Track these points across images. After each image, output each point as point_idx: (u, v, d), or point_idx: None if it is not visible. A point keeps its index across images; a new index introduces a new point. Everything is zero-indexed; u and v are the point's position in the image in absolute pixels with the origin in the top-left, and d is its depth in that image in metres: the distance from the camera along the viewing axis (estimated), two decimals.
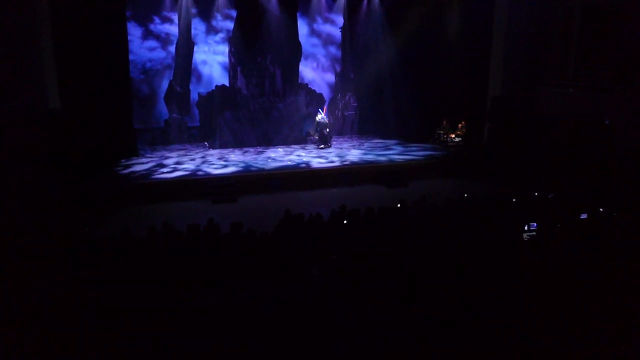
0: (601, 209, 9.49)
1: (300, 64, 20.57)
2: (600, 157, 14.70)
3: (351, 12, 20.85)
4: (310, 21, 21.00)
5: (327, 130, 18.81)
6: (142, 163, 16.32)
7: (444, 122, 19.03)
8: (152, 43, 18.94)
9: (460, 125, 18.79)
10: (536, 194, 11.65)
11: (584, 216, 9.04)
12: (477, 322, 5.17)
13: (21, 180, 12.00)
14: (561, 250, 7.22)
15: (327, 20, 21.32)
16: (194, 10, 18.96)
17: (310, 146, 18.92)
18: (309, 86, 20.89)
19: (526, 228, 8.25)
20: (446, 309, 5.39)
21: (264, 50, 19.44)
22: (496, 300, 5.61)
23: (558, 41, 16.33)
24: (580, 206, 9.70)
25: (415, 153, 18.17)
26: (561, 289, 5.85)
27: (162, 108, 19.27)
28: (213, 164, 16.27)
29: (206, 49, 19.70)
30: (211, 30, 19.65)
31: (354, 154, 17.84)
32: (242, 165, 16.20)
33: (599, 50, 15.64)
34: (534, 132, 16.70)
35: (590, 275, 6.11)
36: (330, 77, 21.70)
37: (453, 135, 18.78)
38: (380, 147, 19.24)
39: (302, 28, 20.57)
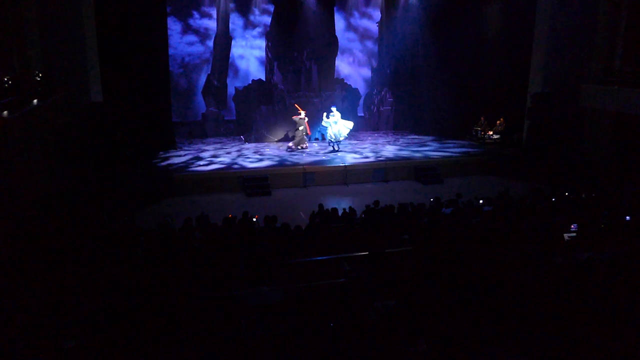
0: None
1: (337, 58, 20.56)
2: None
3: (389, 7, 20.67)
4: (347, 16, 20.93)
5: (301, 131, 17.37)
6: (180, 155, 16.65)
7: (482, 118, 18.69)
8: (191, 38, 19.25)
9: (498, 122, 18.41)
10: (577, 193, 11.32)
11: (628, 218, 8.74)
12: (511, 321, 5.09)
13: (63, 170, 12.40)
14: (602, 252, 7.01)
15: (364, 15, 21.20)
16: (232, 5, 19.20)
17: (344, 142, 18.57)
18: (345, 81, 20.86)
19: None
20: (480, 306, 5.32)
21: (300, 45, 19.55)
22: (532, 300, 5.50)
23: (603, 37, 15.79)
24: (624, 208, 9.38)
25: (452, 150, 17.93)
26: (601, 291, 5.69)
27: (200, 102, 19.59)
28: (248, 158, 16.46)
29: (244, 43, 19.90)
30: (249, 25, 19.83)
31: (389, 150, 17.73)
32: (277, 159, 16.32)
33: None
34: (576, 130, 16.23)
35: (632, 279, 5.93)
36: (367, 72, 21.59)
37: (491, 132, 18.42)
38: (415, 143, 19.05)
39: (339, 23, 20.54)
